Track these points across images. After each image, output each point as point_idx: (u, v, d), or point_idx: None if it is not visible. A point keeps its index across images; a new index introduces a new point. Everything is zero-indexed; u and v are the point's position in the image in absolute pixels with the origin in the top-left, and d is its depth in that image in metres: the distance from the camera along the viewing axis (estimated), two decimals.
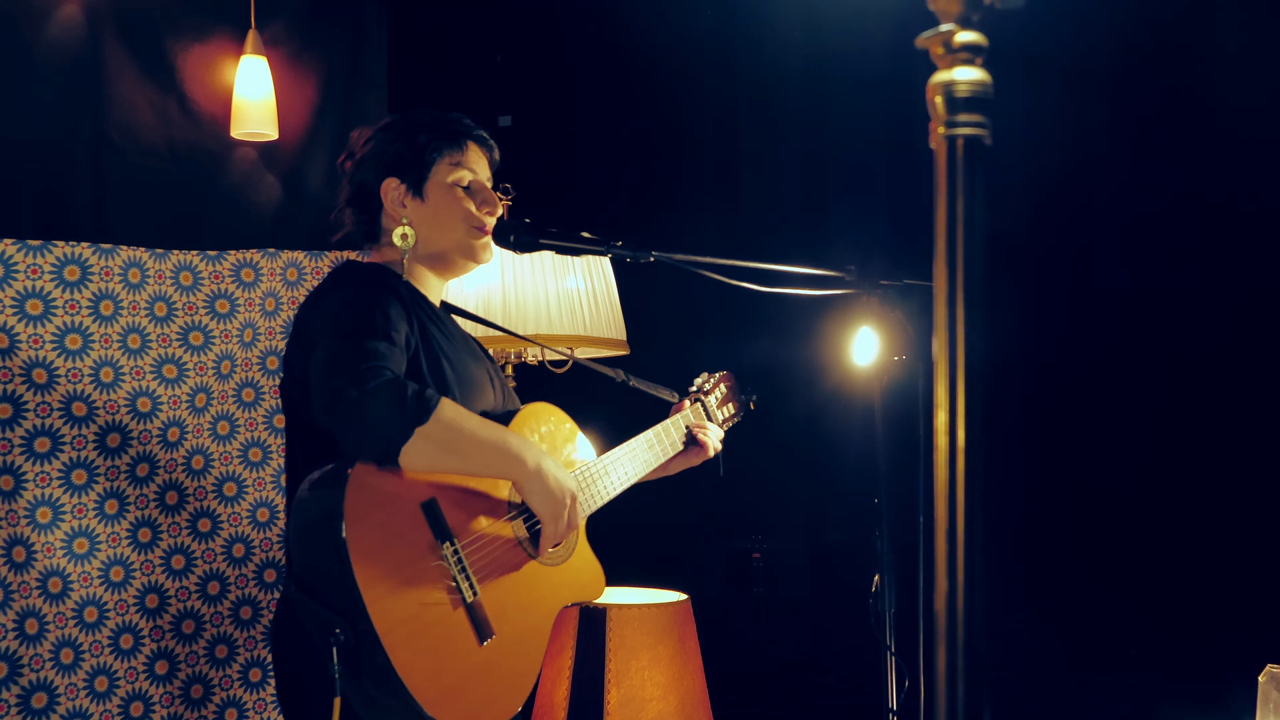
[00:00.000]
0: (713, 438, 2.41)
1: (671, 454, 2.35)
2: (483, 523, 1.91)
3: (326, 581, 1.73)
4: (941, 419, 0.86)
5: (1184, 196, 3.87)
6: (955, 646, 0.86)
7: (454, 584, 1.82)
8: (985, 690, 0.86)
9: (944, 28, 0.87)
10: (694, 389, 2.51)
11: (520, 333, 2.80)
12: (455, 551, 1.83)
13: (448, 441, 1.80)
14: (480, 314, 2.70)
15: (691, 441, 2.39)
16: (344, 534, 1.69)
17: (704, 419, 2.46)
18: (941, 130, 0.89)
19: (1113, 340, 4.02)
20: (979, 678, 0.86)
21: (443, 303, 2.24)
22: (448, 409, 1.80)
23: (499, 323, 2.83)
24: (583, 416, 2.27)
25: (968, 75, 0.88)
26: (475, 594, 1.84)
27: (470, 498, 1.91)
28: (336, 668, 1.71)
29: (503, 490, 1.96)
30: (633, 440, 2.27)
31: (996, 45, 0.90)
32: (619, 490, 2.19)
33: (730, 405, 2.55)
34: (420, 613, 1.76)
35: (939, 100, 0.88)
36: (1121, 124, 3.95)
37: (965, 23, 0.87)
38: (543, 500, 1.91)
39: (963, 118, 0.88)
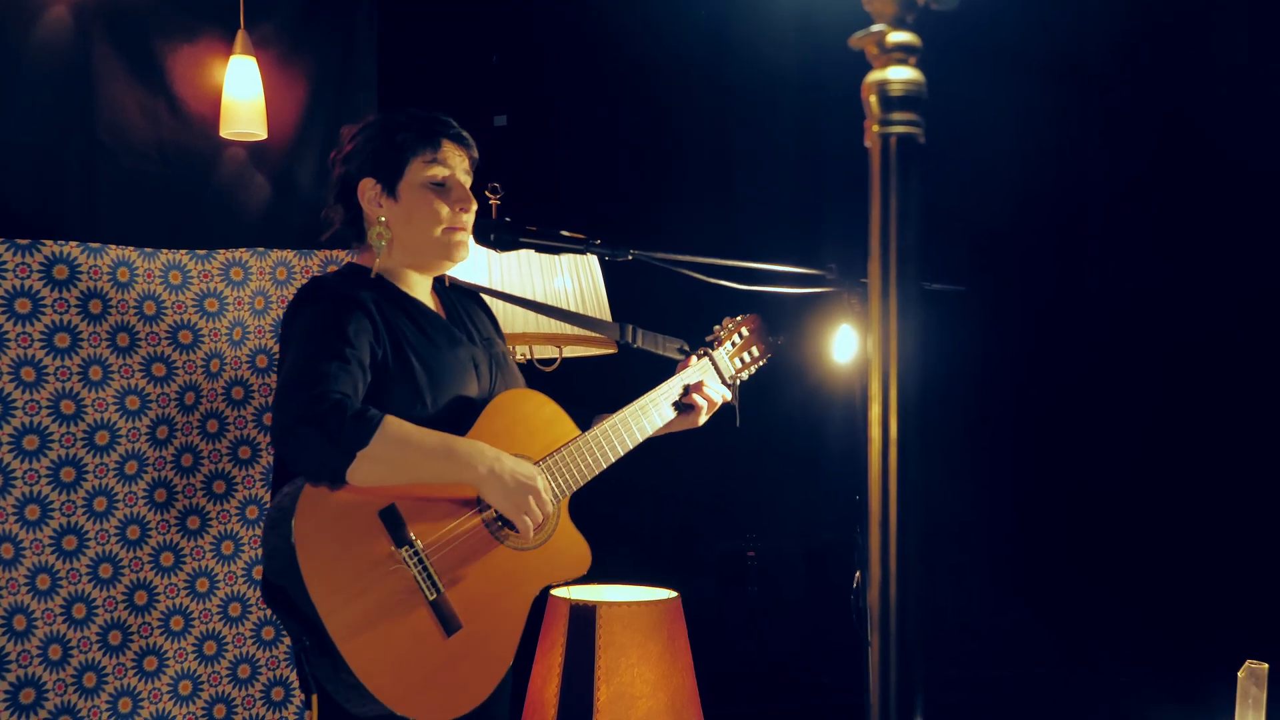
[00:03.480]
0: (711, 396, 2.34)
1: (661, 423, 2.30)
2: (449, 520, 1.97)
3: (286, 595, 1.83)
4: (875, 411, 0.88)
5: (1173, 195, 3.87)
6: (888, 638, 0.87)
7: (416, 585, 1.89)
8: (918, 684, 0.87)
9: (876, 28, 0.88)
10: (709, 338, 2.45)
11: (508, 331, 2.81)
12: (415, 554, 1.90)
13: (393, 459, 1.85)
14: None
15: (687, 403, 2.34)
16: (296, 554, 1.79)
17: (710, 374, 2.39)
18: (876, 129, 0.90)
19: (1104, 339, 4.03)
20: (911, 671, 0.87)
21: (451, 283, 2.27)
22: (391, 427, 1.85)
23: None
24: (588, 397, 2.26)
25: (901, 75, 0.89)
26: (438, 592, 1.91)
27: (436, 498, 1.96)
28: (309, 669, 1.83)
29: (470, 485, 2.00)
30: (618, 413, 2.24)
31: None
32: (605, 465, 2.18)
33: (753, 349, 2.47)
34: (379, 618, 1.84)
35: (873, 99, 0.90)
36: (1111, 122, 3.95)
37: (899, 23, 0.89)
38: (502, 499, 1.95)
39: (896, 116, 0.89)
